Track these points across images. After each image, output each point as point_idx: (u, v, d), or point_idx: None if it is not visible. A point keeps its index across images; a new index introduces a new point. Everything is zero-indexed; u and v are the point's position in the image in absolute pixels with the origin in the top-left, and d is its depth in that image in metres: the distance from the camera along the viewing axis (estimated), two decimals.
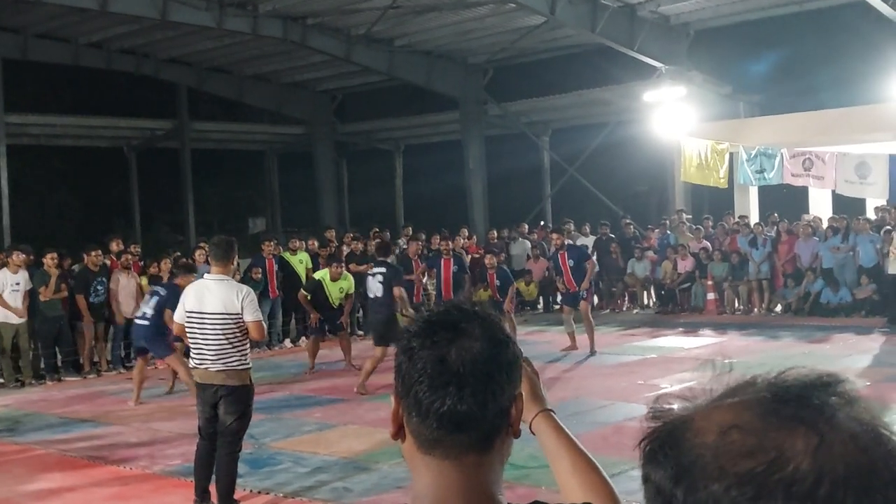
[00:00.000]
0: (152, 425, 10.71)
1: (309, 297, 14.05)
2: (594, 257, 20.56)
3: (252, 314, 7.22)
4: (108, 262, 15.30)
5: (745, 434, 0.86)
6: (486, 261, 15.88)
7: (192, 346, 7.38)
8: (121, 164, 27.94)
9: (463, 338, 1.36)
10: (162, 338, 11.59)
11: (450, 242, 16.98)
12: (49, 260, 14.32)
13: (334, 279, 14.03)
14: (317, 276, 14.61)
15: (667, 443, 0.91)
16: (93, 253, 14.87)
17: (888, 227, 17.23)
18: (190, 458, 8.93)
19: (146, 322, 11.88)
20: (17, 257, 14.03)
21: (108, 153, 28.38)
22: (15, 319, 13.82)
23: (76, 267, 15.19)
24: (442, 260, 15.79)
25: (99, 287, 14.73)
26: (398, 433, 1.39)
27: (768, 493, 0.82)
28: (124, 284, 15.01)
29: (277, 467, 8.61)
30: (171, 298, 10.33)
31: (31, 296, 14.07)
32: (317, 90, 29.15)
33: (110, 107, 27.03)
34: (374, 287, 11.97)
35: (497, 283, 15.32)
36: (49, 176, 29.76)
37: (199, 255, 15.83)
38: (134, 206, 27.68)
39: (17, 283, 13.84)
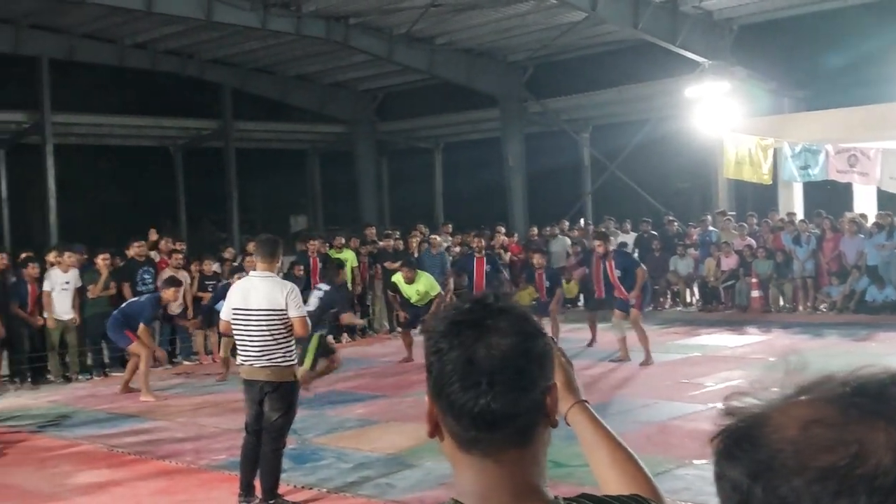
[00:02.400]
0: (198, 420, 10.84)
1: (396, 297, 14.33)
2: (636, 254, 20.49)
3: (296, 310, 7.29)
4: (155, 258, 15.51)
5: (826, 428, 0.85)
6: (535, 260, 15.57)
7: (237, 343, 7.47)
8: (166, 163, 28.26)
9: (490, 334, 1.34)
10: (121, 329, 12.62)
11: (482, 240, 16.50)
12: (101, 260, 14.57)
13: (408, 282, 14.07)
14: (393, 278, 14.74)
15: (743, 439, 0.90)
16: (135, 244, 15.08)
17: None
18: (235, 453, 9.03)
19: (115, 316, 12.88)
20: (69, 258, 14.27)
21: (154, 153, 28.72)
22: (63, 316, 14.07)
23: (120, 264, 15.42)
24: (475, 259, 15.51)
25: (146, 276, 14.92)
26: (434, 432, 1.39)
27: (851, 488, 0.82)
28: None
29: (320, 463, 8.68)
30: (148, 308, 12.65)
31: (80, 294, 14.30)
32: (358, 90, 29.29)
33: (156, 107, 27.34)
34: (312, 301, 11.48)
35: (546, 283, 15.12)
36: (95, 175, 30.14)
37: (248, 263, 15.83)
38: (179, 204, 27.99)
39: (67, 283, 14.08)
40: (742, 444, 0.90)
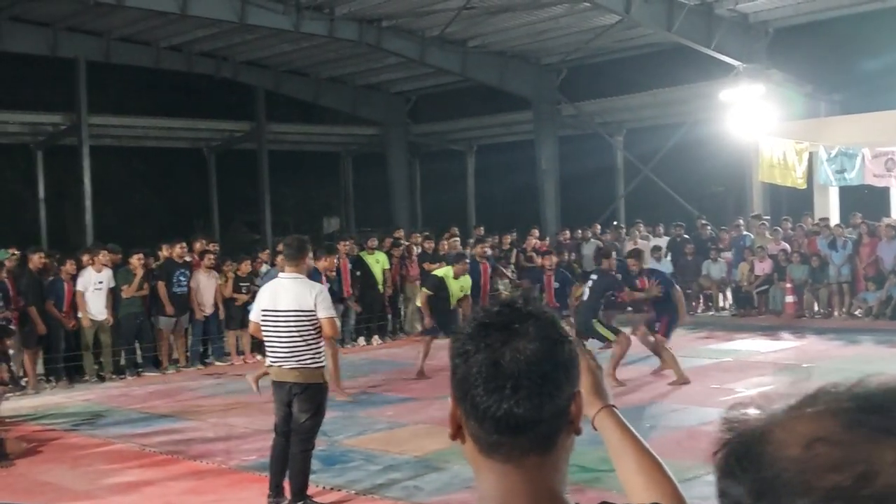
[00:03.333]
0: (229, 421, 10.89)
1: (431, 294, 13.57)
2: (668, 258, 20.35)
3: (325, 311, 7.29)
4: (191, 259, 15.64)
5: (831, 446, 0.82)
6: (543, 262, 15.48)
7: (266, 344, 7.49)
8: (200, 164, 28.50)
9: (517, 339, 1.33)
10: None
11: (484, 247, 16.11)
12: (136, 260, 14.71)
13: (457, 276, 13.73)
14: (439, 273, 14.01)
15: (745, 456, 0.88)
16: (178, 245, 15.24)
17: None
18: (265, 454, 9.06)
19: None
20: (104, 257, 14.42)
21: (188, 154, 28.97)
22: (98, 316, 14.21)
23: (156, 265, 15.54)
24: (480, 266, 15.40)
25: (181, 278, 15.06)
26: (456, 434, 1.38)
27: None
28: (205, 283, 15.34)
29: (349, 465, 8.69)
30: None
31: (113, 293, 14.44)
32: (391, 92, 29.36)
33: (190, 109, 27.59)
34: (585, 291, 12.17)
35: (556, 285, 15.00)
36: (130, 176, 30.48)
37: (280, 261, 15.99)
38: (213, 206, 28.19)
39: (101, 282, 14.22)
40: (744, 461, 0.87)
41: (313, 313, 7.24)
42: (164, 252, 15.41)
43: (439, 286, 13.60)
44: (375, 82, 28.46)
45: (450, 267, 14.09)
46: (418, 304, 13.92)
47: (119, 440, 10.21)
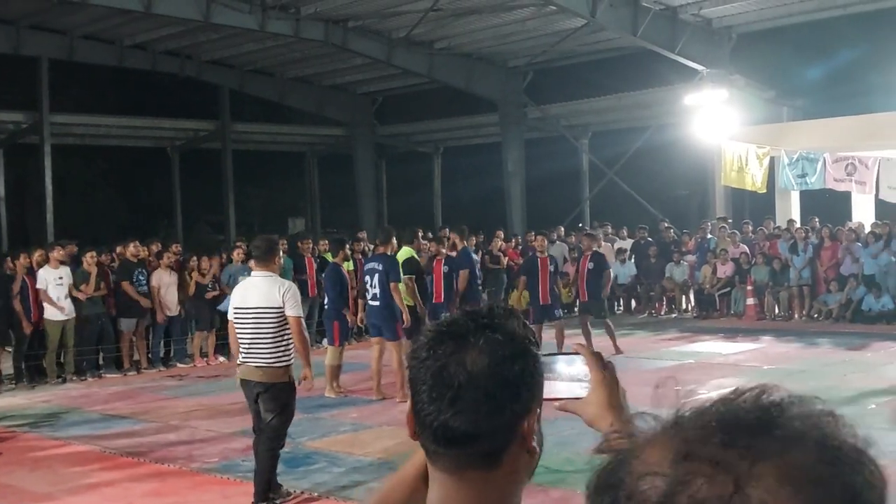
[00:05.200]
0: (191, 423, 10.82)
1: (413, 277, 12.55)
2: (632, 261, 20.57)
3: (292, 309, 7.24)
4: (148, 259, 15.50)
5: (659, 479, 0.80)
6: (535, 244, 15.06)
7: (239, 343, 7.48)
8: (164, 164, 28.28)
9: (466, 351, 1.29)
10: None
11: (443, 243, 15.58)
12: (89, 258, 14.54)
13: (420, 252, 13.26)
14: (405, 255, 12.73)
15: (613, 474, 0.86)
16: (131, 244, 15.08)
17: None
18: (228, 456, 9.07)
19: None
20: (58, 252, 14.26)
21: (152, 153, 28.75)
22: (61, 316, 14.04)
23: (114, 265, 15.39)
24: (434, 261, 15.03)
25: (140, 277, 14.91)
26: (414, 435, 1.36)
27: None
28: (167, 283, 15.21)
29: (313, 467, 8.66)
30: None
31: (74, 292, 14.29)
32: (357, 92, 29.31)
33: (154, 108, 27.38)
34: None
35: (551, 268, 14.69)
36: (93, 176, 30.19)
37: (236, 255, 16.03)
38: (176, 205, 27.98)
39: (60, 278, 14.06)
40: (611, 479, 0.85)
41: (281, 310, 7.21)
42: (122, 251, 15.25)
43: (417, 267, 12.91)
44: (341, 83, 28.40)
45: (408, 247, 13.12)
46: (406, 299, 13.11)
47: (80, 442, 10.10)
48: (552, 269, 13.95)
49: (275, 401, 7.25)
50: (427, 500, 1.34)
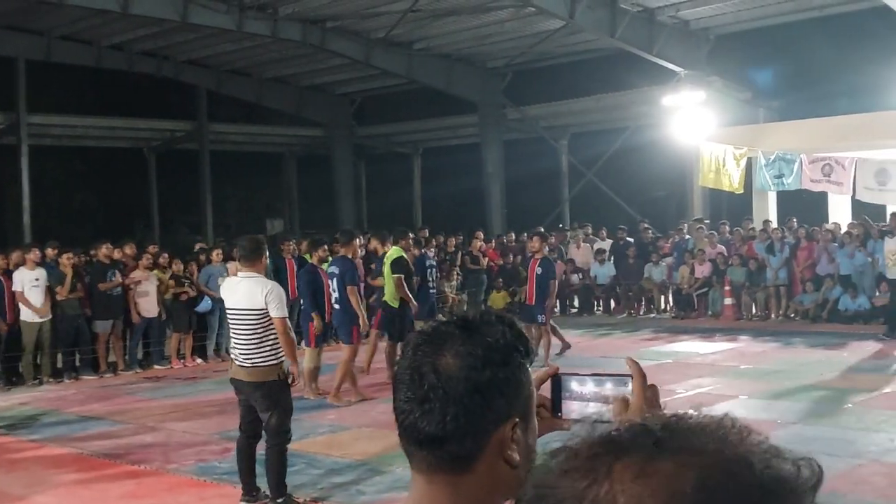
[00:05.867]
0: (167, 425, 10.77)
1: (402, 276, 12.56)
2: (611, 261, 20.67)
3: (276, 310, 7.22)
4: (122, 261, 15.40)
5: (548, 490, 0.84)
6: (530, 245, 14.73)
7: (231, 340, 7.47)
8: (141, 165, 28.13)
9: (442, 354, 1.31)
10: None
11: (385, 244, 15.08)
12: (65, 259, 14.44)
13: (407, 251, 13.04)
14: (393, 254, 12.75)
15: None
16: (103, 246, 14.98)
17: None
18: (205, 459, 9.04)
19: None
20: (35, 254, 14.16)
21: (129, 154, 28.59)
22: (38, 318, 13.94)
23: (88, 267, 15.27)
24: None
25: (113, 279, 14.81)
26: None
27: None
28: (144, 284, 15.12)
29: (291, 469, 8.59)
30: None
31: (50, 294, 14.19)
32: (335, 93, 29.27)
33: (131, 108, 27.23)
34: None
35: (538, 270, 14.43)
36: (70, 176, 29.98)
37: (215, 255, 15.98)
38: (153, 206, 27.85)
39: (37, 279, 13.96)
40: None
41: (264, 311, 7.20)
42: (95, 253, 15.16)
43: (406, 266, 12.85)
44: (320, 83, 28.35)
45: (396, 247, 13.11)
46: (393, 298, 12.97)
47: (56, 444, 10.04)
48: (539, 272, 13.85)
49: (268, 399, 7.25)
50: (407, 498, 1.36)
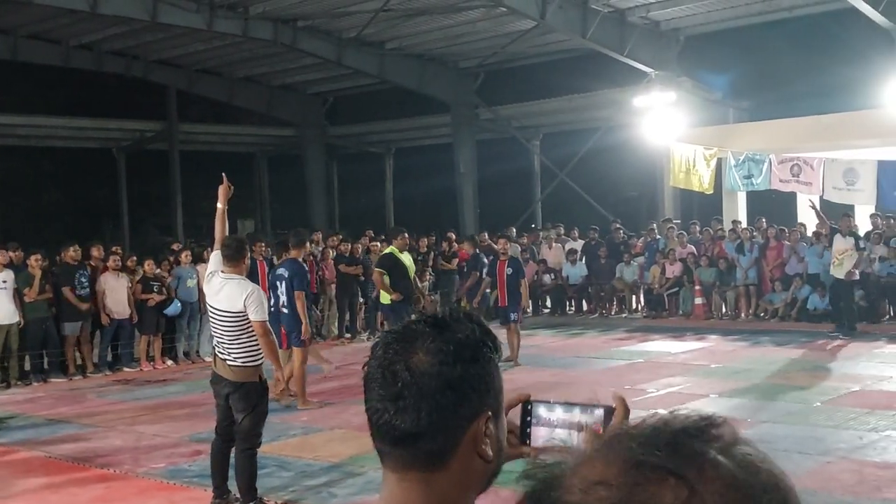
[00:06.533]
0: (137, 428, 10.68)
1: (384, 272, 12.67)
2: (583, 261, 20.74)
3: (256, 314, 7.19)
4: (91, 263, 15.25)
5: (610, 489, 0.81)
6: (498, 247, 14.79)
7: (212, 337, 7.45)
8: (110, 165, 27.89)
9: (413, 352, 1.33)
10: None
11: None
12: (33, 261, 14.28)
13: (402, 250, 13.05)
14: (386, 250, 13.25)
15: (538, 500, 0.86)
16: (70, 249, 14.83)
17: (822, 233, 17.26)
18: (175, 462, 8.97)
19: None
20: (2, 256, 14.00)
21: (98, 155, 28.34)
22: (5, 320, 13.78)
23: (55, 269, 15.10)
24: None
25: (83, 279, 14.67)
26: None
27: None
28: (113, 286, 14.98)
29: (262, 471, 8.53)
30: None
31: (18, 296, 14.03)
32: (307, 93, 29.15)
33: (100, 108, 26.98)
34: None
35: (508, 271, 14.16)
36: (38, 177, 29.68)
37: (184, 257, 15.88)
38: (123, 207, 27.62)
39: (4, 282, 13.81)
40: (543, 500, 0.85)
41: (244, 314, 7.16)
42: (65, 256, 15.00)
43: (393, 263, 12.97)
44: (291, 83, 28.23)
45: (391, 246, 13.38)
46: (384, 297, 13.12)
47: (25, 447, 9.94)
48: (510, 272, 13.86)
49: (245, 401, 7.22)
50: (379, 499, 1.36)
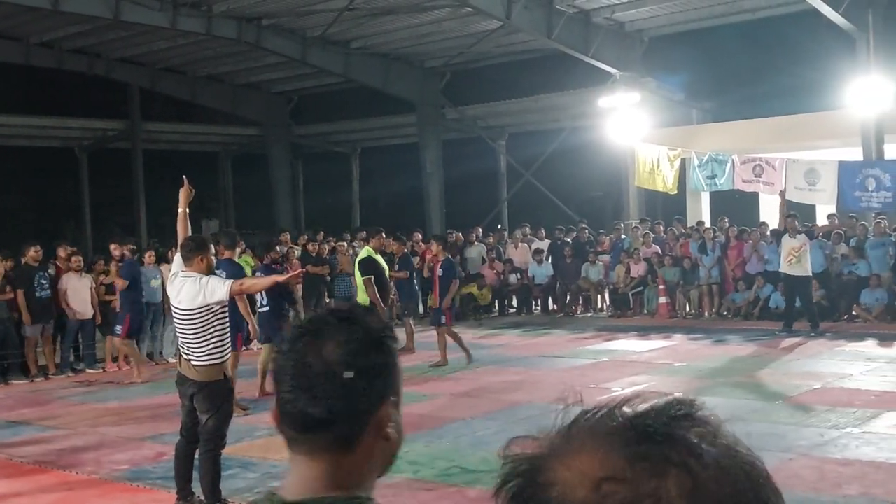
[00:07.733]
0: (99, 430, 10.57)
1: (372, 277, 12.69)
2: (549, 261, 20.82)
3: (218, 292, 7.08)
4: (56, 264, 15.08)
5: (618, 484, 0.80)
6: (427, 251, 15.18)
7: (176, 337, 7.41)
8: (72, 164, 27.59)
9: (322, 343, 1.41)
10: None
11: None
12: None
13: (377, 250, 13.09)
14: (363, 255, 13.13)
15: (532, 499, 0.84)
16: (32, 249, 14.63)
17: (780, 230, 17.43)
18: (137, 464, 8.88)
19: None
20: None
21: (60, 154, 28.02)
22: None
23: (11, 272, 14.88)
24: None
25: (43, 281, 14.48)
26: (278, 425, 1.46)
27: None
28: (76, 286, 14.81)
29: (227, 473, 8.47)
30: None
31: None
32: (272, 91, 29.02)
33: (61, 107, 26.68)
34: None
35: (440, 272, 14.04)
36: None
37: (148, 257, 15.73)
38: (85, 207, 27.33)
39: None
40: (528, 493, 0.84)
41: (204, 309, 7.11)
42: (26, 256, 14.80)
43: (375, 266, 12.94)
44: (255, 81, 28.09)
45: (368, 247, 13.42)
46: (366, 298, 12.74)
47: None
48: (441, 274, 13.78)
49: (209, 401, 7.15)
50: (285, 483, 1.43)
